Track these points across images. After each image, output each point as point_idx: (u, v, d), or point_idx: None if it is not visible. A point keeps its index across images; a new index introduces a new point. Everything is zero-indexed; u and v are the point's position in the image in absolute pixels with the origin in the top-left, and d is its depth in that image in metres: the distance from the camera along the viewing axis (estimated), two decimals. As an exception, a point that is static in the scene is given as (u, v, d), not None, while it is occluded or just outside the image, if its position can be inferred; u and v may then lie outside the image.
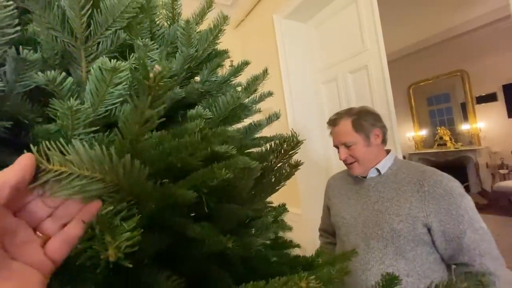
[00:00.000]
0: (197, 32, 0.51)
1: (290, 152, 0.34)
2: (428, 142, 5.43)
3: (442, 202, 0.74)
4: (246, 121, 0.64)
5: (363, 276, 0.79)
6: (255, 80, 0.52)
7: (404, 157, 5.71)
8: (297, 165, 0.41)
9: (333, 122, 0.93)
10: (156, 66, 0.19)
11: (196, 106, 0.40)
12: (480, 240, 0.71)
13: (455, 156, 4.78)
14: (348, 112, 0.93)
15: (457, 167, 4.78)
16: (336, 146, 0.93)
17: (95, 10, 0.37)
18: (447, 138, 4.98)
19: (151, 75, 0.19)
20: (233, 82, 0.61)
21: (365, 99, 1.73)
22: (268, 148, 0.36)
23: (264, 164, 0.36)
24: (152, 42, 0.41)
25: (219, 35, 0.52)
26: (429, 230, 0.76)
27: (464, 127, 4.75)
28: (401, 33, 4.40)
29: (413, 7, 3.55)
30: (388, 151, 0.93)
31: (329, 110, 2.05)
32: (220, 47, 0.58)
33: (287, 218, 2.28)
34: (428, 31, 4.48)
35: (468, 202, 0.75)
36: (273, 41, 2.13)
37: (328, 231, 1.08)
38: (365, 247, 0.83)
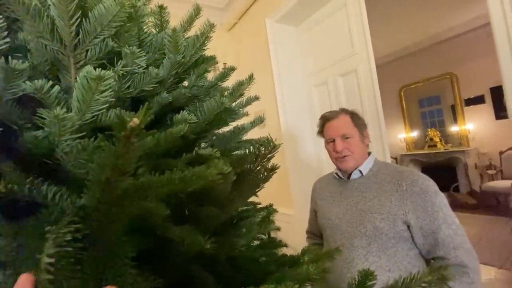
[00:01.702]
0: (185, 39, 0.53)
1: (268, 156, 0.36)
2: (419, 143, 5.53)
3: (419, 200, 0.79)
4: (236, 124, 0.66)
5: (349, 273, 0.82)
6: (240, 85, 0.54)
7: (395, 159, 5.80)
8: (273, 169, 0.43)
9: (330, 116, 0.96)
10: (134, 119, 0.20)
11: (182, 111, 0.41)
12: (454, 234, 0.76)
13: (445, 157, 4.87)
14: (344, 110, 0.98)
15: (447, 168, 4.88)
16: (331, 141, 0.94)
17: (83, 19, 0.39)
18: (437, 139, 5.08)
19: (128, 127, 0.19)
20: (221, 86, 0.63)
21: (355, 101, 1.77)
22: (247, 152, 0.38)
23: (244, 167, 0.38)
24: (139, 49, 0.43)
25: (206, 41, 0.54)
26: (408, 226, 0.80)
27: (453, 128, 4.85)
28: (392, 36, 4.49)
29: (403, 11, 3.63)
30: (369, 153, 0.97)
31: (321, 112, 2.08)
32: (213, 49, 0.60)
33: (280, 218, 2.32)
34: (419, 35, 4.58)
35: (442, 199, 0.79)
36: (265, 44, 2.16)
37: (315, 233, 1.11)
38: (349, 245, 0.85)
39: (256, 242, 0.74)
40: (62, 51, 0.38)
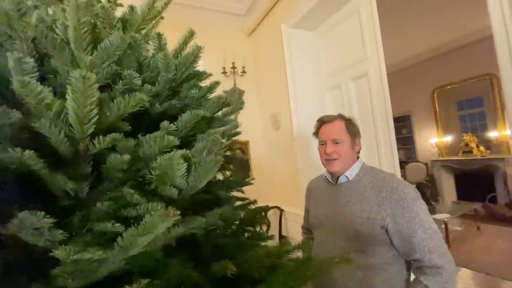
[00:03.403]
0: (177, 59, 0.64)
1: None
2: (453, 149, 5.17)
3: (397, 206, 0.83)
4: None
5: (331, 273, 0.89)
6: (220, 99, 0.64)
7: (426, 164, 5.49)
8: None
9: (326, 119, 1.02)
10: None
11: (163, 121, 0.52)
12: (429, 239, 0.79)
13: (482, 165, 4.51)
14: (341, 116, 1.03)
15: (484, 176, 4.52)
16: (322, 143, 1.00)
17: (94, 50, 0.51)
18: (473, 145, 4.72)
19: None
20: (215, 97, 0.73)
21: (366, 105, 1.78)
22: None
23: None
24: (138, 70, 0.55)
25: (196, 60, 0.65)
26: (386, 231, 0.83)
27: (492, 134, 4.47)
28: (423, 36, 4.28)
29: (435, 9, 3.45)
30: (357, 158, 1.01)
31: (334, 116, 2.11)
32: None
33: (291, 218, 2.39)
34: (451, 33, 4.30)
35: (419, 206, 0.82)
36: (281, 48, 2.24)
37: (308, 229, 1.17)
38: (332, 244, 0.92)
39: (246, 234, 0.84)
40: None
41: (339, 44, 2.00)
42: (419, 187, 3.84)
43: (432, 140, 5.52)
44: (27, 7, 0.53)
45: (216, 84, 0.68)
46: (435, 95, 5.39)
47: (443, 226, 3.23)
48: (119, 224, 0.36)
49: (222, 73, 2.62)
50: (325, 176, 1.04)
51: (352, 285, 0.86)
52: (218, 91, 2.17)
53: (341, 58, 1.98)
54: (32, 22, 0.52)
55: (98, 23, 0.57)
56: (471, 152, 4.72)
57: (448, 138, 5.26)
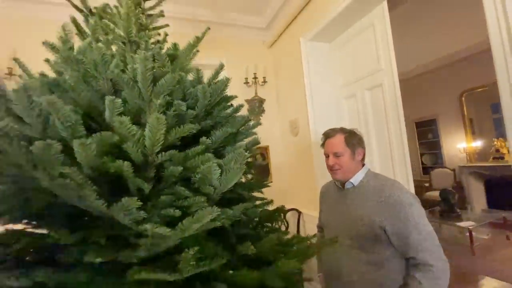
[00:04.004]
0: (210, 87, 0.82)
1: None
2: (483, 154, 4.94)
3: (394, 210, 0.94)
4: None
5: (335, 263, 1.03)
6: (243, 118, 0.82)
7: (453, 170, 5.28)
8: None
9: (329, 134, 1.15)
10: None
11: (202, 137, 0.70)
12: (423, 240, 0.89)
13: (515, 171, 4.28)
14: (342, 130, 1.14)
15: (516, 183, 4.28)
16: (326, 156, 1.14)
17: (153, 86, 0.71)
18: (505, 150, 4.49)
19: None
20: (240, 115, 0.91)
21: (380, 113, 1.87)
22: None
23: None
24: (181, 99, 0.74)
25: (225, 89, 0.83)
26: (385, 231, 0.94)
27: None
28: (448, 38, 4.19)
29: (465, 10, 3.40)
30: (363, 165, 1.12)
31: (350, 123, 2.22)
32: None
33: (309, 220, 2.55)
34: (480, 36, 4.17)
35: (414, 210, 0.92)
36: (299, 60, 2.39)
37: (322, 228, 1.31)
38: (339, 243, 1.05)
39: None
40: (143, 103, 0.71)
41: (354, 55, 2.11)
42: (443, 193, 3.76)
43: (460, 145, 5.31)
44: (108, 56, 0.74)
45: (240, 106, 0.86)
46: (463, 98, 5.20)
47: (467, 234, 3.15)
48: (178, 210, 0.54)
49: (244, 83, 2.82)
50: (335, 182, 1.18)
51: (356, 278, 0.99)
52: (241, 100, 2.43)
53: (357, 69, 2.09)
54: (111, 67, 0.73)
55: (155, 64, 0.77)
56: (502, 158, 4.50)
57: (478, 143, 5.04)
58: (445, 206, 3.71)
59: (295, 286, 0.71)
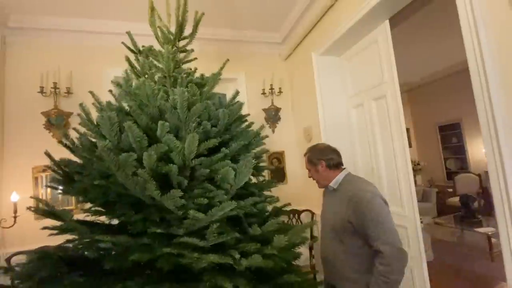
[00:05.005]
0: (229, 108, 1.08)
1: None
2: None
3: (356, 207, 1.15)
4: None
5: (325, 252, 1.30)
6: (253, 133, 1.07)
7: (479, 175, 5.12)
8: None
9: (304, 154, 1.44)
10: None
11: (222, 148, 0.96)
12: (379, 231, 1.09)
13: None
14: (307, 151, 1.42)
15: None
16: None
17: (188, 111, 0.98)
18: (534, 155, 4.31)
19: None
20: (251, 130, 1.17)
21: (384, 122, 2.04)
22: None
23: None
24: (207, 120, 1.01)
25: (240, 110, 1.09)
26: (352, 224, 1.15)
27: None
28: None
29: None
30: (342, 170, 1.33)
31: (358, 130, 2.39)
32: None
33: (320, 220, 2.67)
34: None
35: (373, 207, 1.12)
36: (311, 72, 2.61)
37: None
38: (325, 234, 1.31)
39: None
40: (180, 124, 0.99)
41: (362, 68, 2.29)
42: (463, 198, 3.73)
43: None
44: (156, 90, 1.03)
45: (252, 123, 1.11)
46: (489, 101, 5.04)
47: (487, 240, 3.13)
48: (206, 199, 0.81)
49: (261, 93, 3.08)
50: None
51: (338, 265, 1.22)
52: (258, 109, 2.77)
53: (364, 80, 2.26)
54: (158, 98, 1.02)
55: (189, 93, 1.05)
56: (532, 163, 4.32)
57: (506, 148, 4.85)
58: (466, 212, 3.67)
59: (289, 261, 0.94)
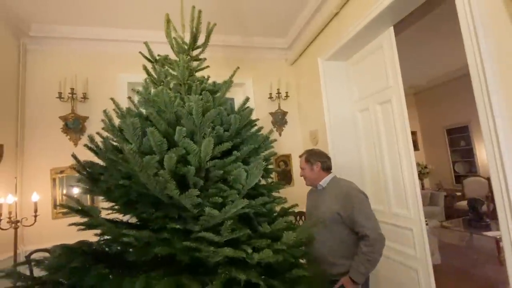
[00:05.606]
0: (240, 113, 1.16)
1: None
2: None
3: (344, 200, 1.45)
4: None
5: (316, 241, 1.41)
6: (263, 137, 1.14)
7: (488, 179, 5.06)
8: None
9: (300, 155, 1.73)
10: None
11: (234, 151, 1.03)
12: (364, 219, 1.38)
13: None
14: (305, 152, 1.70)
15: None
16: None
17: (202, 117, 1.06)
18: (545, 159, 4.25)
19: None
20: (261, 134, 1.24)
21: (389, 126, 2.08)
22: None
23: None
24: (220, 125, 1.08)
25: (250, 116, 1.16)
26: (340, 216, 1.41)
27: None
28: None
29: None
30: (329, 173, 1.58)
31: (364, 134, 2.43)
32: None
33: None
34: None
35: (357, 199, 1.42)
36: (318, 77, 2.67)
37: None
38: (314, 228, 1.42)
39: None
40: (195, 129, 1.07)
41: (367, 73, 2.34)
42: (471, 202, 3.71)
43: (495, 152, 5.08)
44: (173, 98, 1.11)
45: (261, 127, 1.18)
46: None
47: (495, 244, 3.12)
48: (220, 198, 0.88)
49: (268, 98, 3.16)
50: (317, 186, 1.62)
51: (328, 254, 1.42)
52: (265, 113, 2.89)
53: (369, 85, 2.31)
54: (175, 105, 1.10)
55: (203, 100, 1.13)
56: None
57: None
58: (474, 215, 3.65)
59: (297, 257, 1.00)
